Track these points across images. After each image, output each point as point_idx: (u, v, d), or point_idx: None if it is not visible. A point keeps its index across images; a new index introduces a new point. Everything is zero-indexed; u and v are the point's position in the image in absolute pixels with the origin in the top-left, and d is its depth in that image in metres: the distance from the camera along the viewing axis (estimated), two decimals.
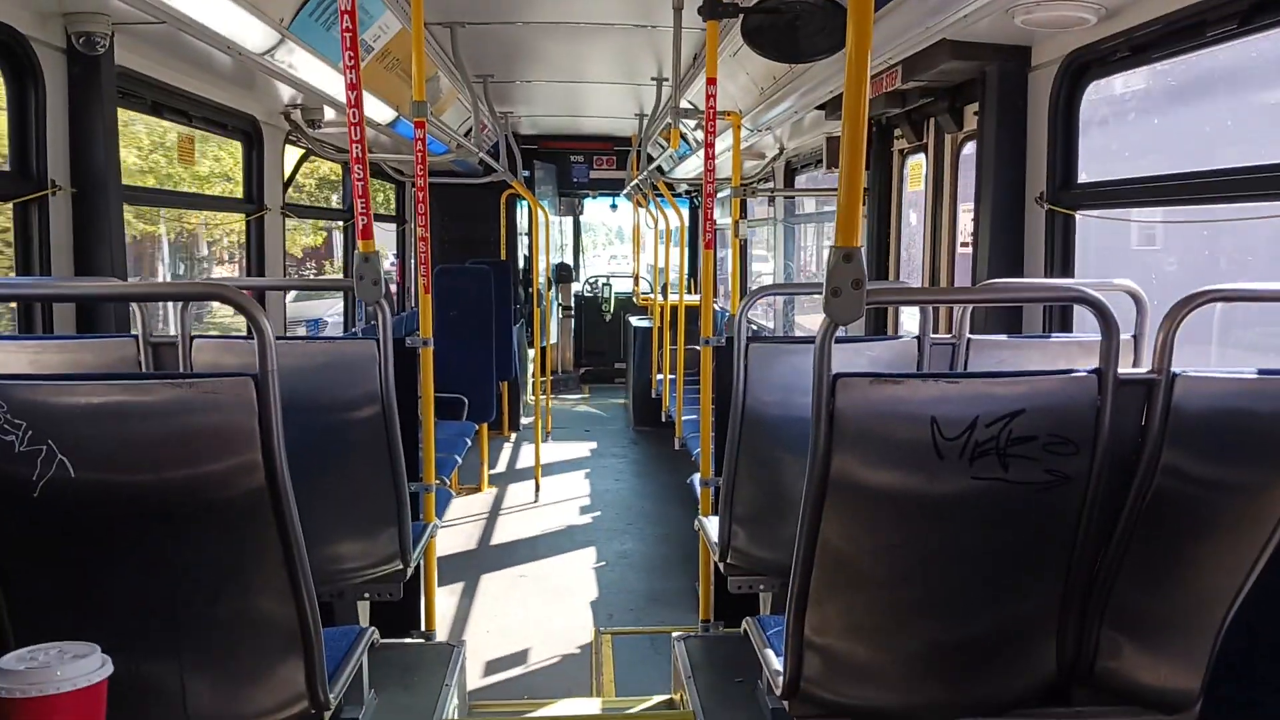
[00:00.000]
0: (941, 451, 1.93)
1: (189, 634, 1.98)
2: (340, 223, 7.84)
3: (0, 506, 1.83)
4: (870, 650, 2.15)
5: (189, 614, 1.97)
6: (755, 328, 8.30)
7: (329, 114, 5.83)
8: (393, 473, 2.99)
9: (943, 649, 2.14)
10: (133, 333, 2.89)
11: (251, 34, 3.63)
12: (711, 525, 3.45)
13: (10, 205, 3.40)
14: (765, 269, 10.60)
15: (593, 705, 4.30)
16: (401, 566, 3.11)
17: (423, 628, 4.10)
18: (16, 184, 3.39)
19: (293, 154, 6.17)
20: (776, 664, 2.28)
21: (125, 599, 1.95)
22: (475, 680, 4.25)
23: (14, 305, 3.43)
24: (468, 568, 6.31)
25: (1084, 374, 1.96)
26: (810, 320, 8.75)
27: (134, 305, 3.00)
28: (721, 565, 3.18)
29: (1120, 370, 1.97)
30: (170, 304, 2.74)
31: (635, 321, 11.22)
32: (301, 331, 10.73)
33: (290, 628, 2.01)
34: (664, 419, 8.41)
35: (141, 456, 1.84)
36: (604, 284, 13.42)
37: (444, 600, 4.38)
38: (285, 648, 2.04)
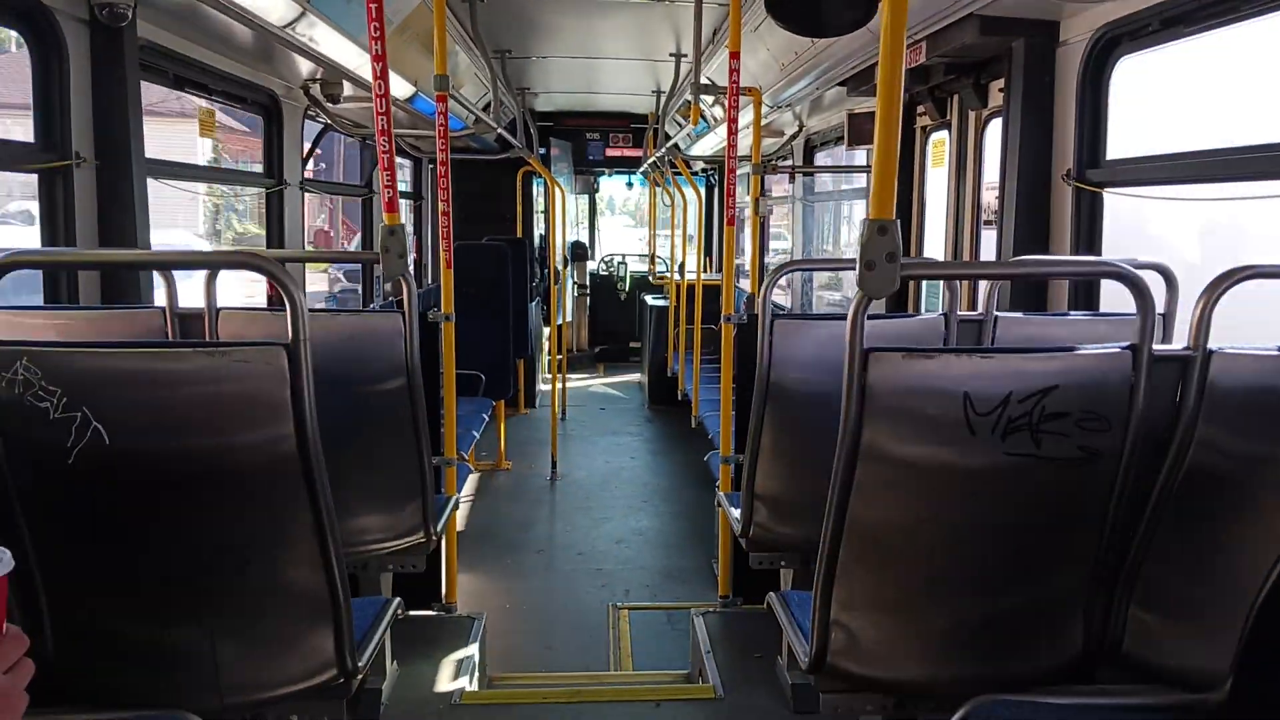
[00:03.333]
0: (973, 427, 1.92)
1: (219, 601, 2.00)
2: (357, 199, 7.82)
3: (34, 473, 1.85)
4: (897, 624, 2.15)
5: (219, 582, 1.98)
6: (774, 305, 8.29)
7: (348, 89, 5.81)
8: (417, 446, 3.00)
9: (970, 624, 2.14)
10: (159, 304, 2.90)
11: (274, 6, 3.62)
12: (732, 502, 3.45)
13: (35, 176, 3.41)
14: (780, 247, 10.56)
15: (611, 679, 4.32)
16: (425, 539, 3.12)
17: (444, 600, 4.13)
18: (41, 154, 3.39)
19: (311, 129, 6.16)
20: (802, 638, 2.28)
21: (156, 565, 1.96)
22: (494, 653, 4.28)
23: (40, 276, 3.45)
24: (484, 542, 6.34)
25: (1118, 350, 1.94)
26: (829, 296, 8.71)
27: (158, 277, 3.00)
28: (743, 541, 3.18)
29: (1155, 346, 1.95)
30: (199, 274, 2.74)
31: (651, 300, 11.20)
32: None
33: (320, 596, 2.02)
34: (679, 397, 8.40)
35: (175, 424, 1.85)
36: (619, 262, 13.39)
37: (462, 574, 4.40)
38: (315, 616, 2.06)
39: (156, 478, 1.86)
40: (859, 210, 7.64)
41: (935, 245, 5.15)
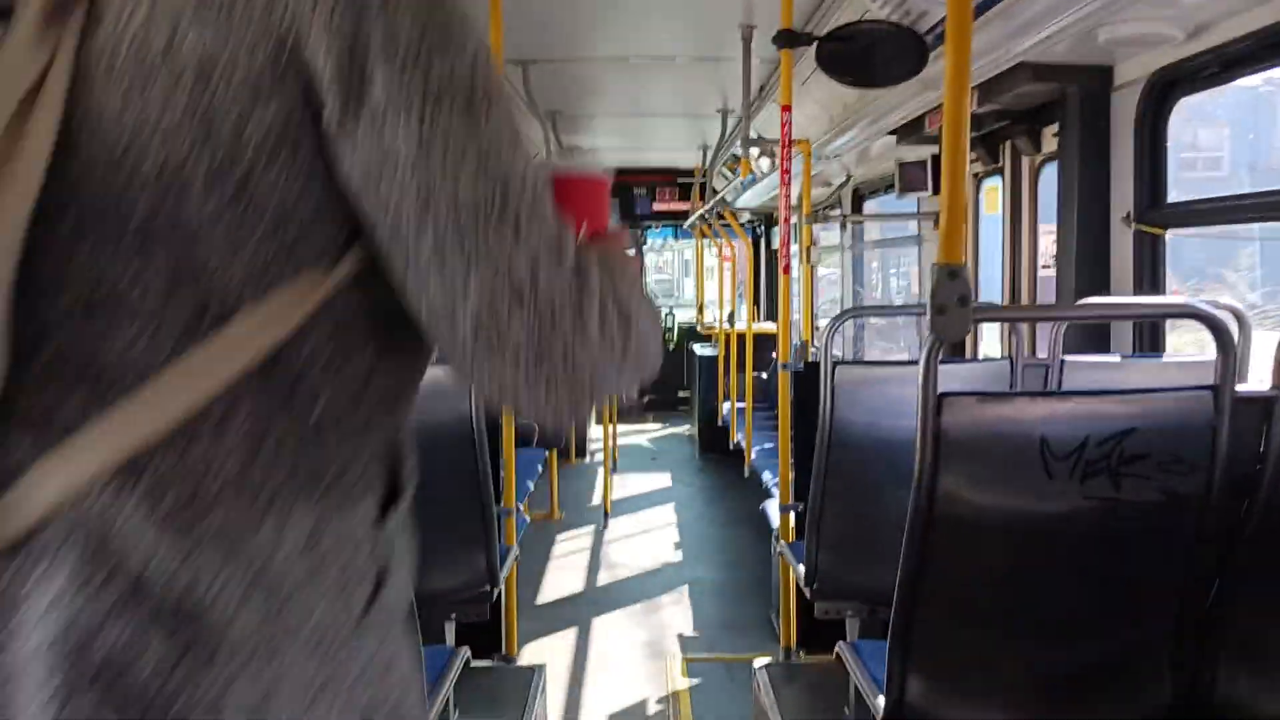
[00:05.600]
0: (1051, 471, 1.89)
1: None
2: None
3: None
4: (976, 678, 2.11)
5: None
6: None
7: None
8: (480, 495, 3.03)
9: (1052, 677, 2.10)
10: None
11: None
12: (793, 552, 3.42)
13: None
14: (829, 295, 10.55)
15: None
16: (489, 589, 3.14)
17: (504, 651, 4.13)
18: None
19: None
20: (875, 689, 2.24)
21: None
22: (554, 705, 4.26)
23: None
24: (540, 593, 6.33)
25: (1199, 391, 1.92)
26: (883, 344, 8.67)
27: None
28: (808, 590, 3.15)
29: (1237, 387, 1.92)
30: None
31: (699, 349, 11.22)
32: None
33: None
34: (731, 447, 8.35)
35: None
36: (667, 314, 13.46)
37: (521, 625, 4.39)
38: None
39: None
40: (907, 259, 7.63)
41: (991, 291, 5.12)
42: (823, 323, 9.12)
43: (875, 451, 2.95)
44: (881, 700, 2.14)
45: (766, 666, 3.94)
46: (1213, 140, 6.57)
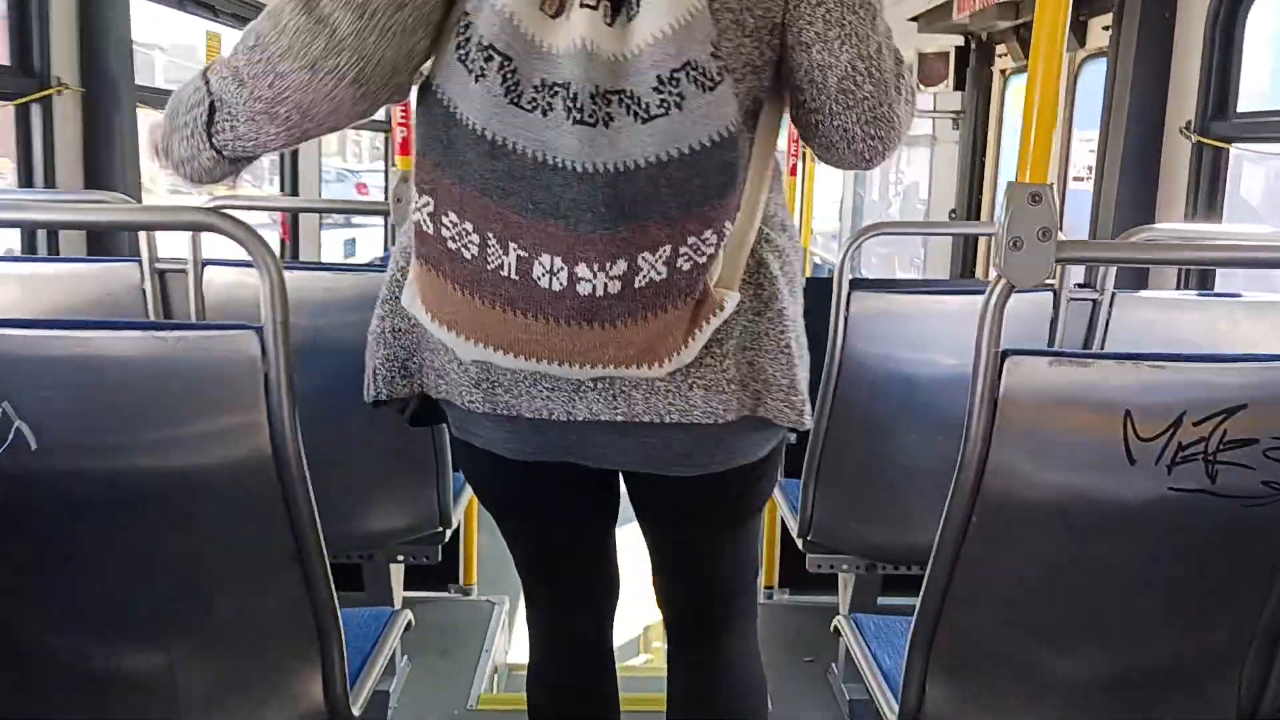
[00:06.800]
0: (1133, 454, 1.49)
1: (182, 635, 1.64)
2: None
3: None
4: (1014, 684, 1.75)
5: (180, 612, 1.62)
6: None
7: None
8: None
9: (1105, 681, 1.74)
10: (136, 256, 2.50)
11: None
12: (786, 490, 3.04)
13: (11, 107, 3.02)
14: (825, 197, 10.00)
15: (643, 671, 3.99)
16: (440, 529, 2.76)
17: (461, 583, 3.78)
18: (17, 81, 3.00)
19: None
20: (885, 686, 1.89)
21: (104, 591, 1.59)
22: (518, 638, 3.92)
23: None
24: None
25: None
26: (883, 250, 8.18)
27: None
28: (800, 541, 2.78)
29: None
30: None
31: None
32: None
33: (304, 630, 1.65)
34: None
35: (117, 424, 1.47)
36: None
37: (486, 552, 4.03)
38: (299, 650, 1.69)
39: (95, 490, 1.49)
40: (916, 163, 7.05)
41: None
42: (819, 226, 8.59)
43: (892, 389, 2.55)
44: (894, 703, 1.79)
45: None
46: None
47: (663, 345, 1.33)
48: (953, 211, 5.08)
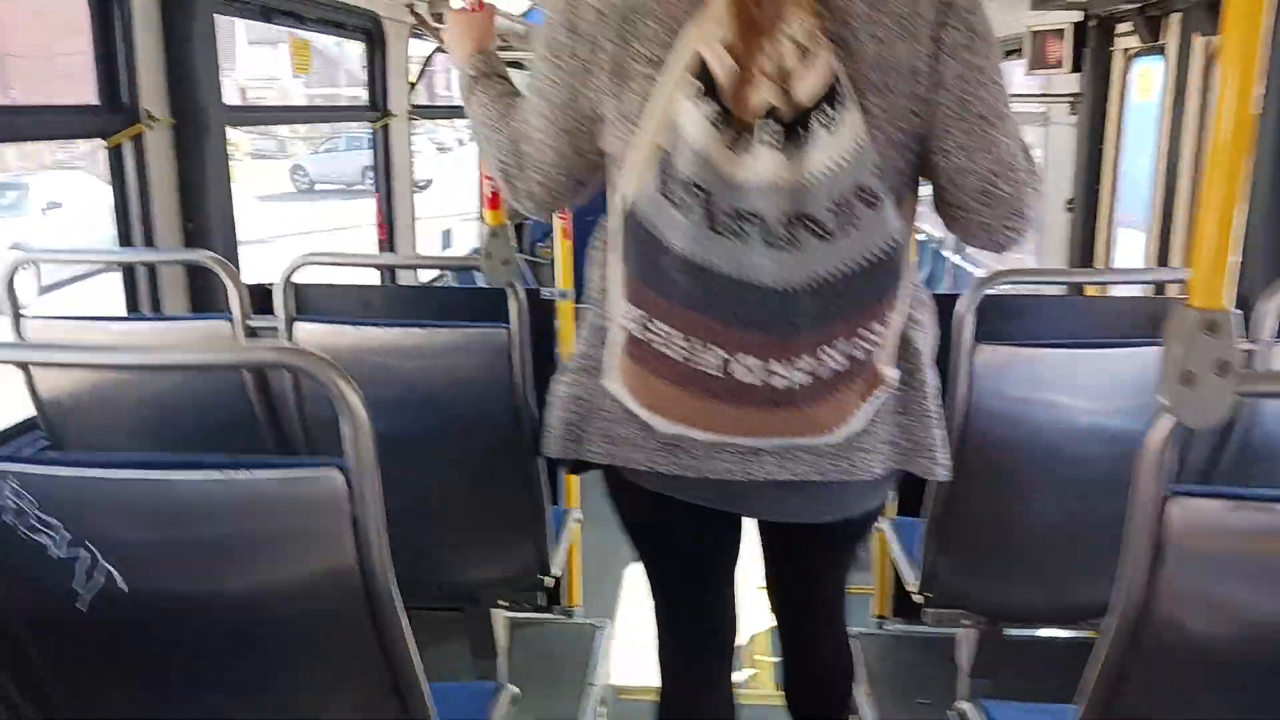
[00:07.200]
0: None
1: None
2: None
3: (45, 622, 1.44)
4: None
5: None
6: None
7: (455, 2, 5.23)
8: (526, 478, 2.53)
9: None
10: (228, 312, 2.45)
11: None
12: (901, 535, 2.87)
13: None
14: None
15: (749, 699, 3.88)
16: (540, 578, 2.68)
17: (565, 605, 3.72)
18: (107, 119, 2.97)
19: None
20: None
21: None
22: (622, 664, 3.84)
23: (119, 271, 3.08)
24: (609, 547, 5.78)
25: None
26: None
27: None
28: (920, 598, 2.62)
29: None
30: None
31: None
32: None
33: None
34: None
35: (203, 564, 1.40)
36: None
37: (588, 574, 3.95)
38: None
39: (184, 630, 1.43)
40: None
41: (1134, 201, 4.28)
42: None
43: (1020, 446, 2.36)
44: None
45: (858, 638, 3.47)
46: None
47: (837, 418, 1.56)
48: (1069, 202, 4.72)
